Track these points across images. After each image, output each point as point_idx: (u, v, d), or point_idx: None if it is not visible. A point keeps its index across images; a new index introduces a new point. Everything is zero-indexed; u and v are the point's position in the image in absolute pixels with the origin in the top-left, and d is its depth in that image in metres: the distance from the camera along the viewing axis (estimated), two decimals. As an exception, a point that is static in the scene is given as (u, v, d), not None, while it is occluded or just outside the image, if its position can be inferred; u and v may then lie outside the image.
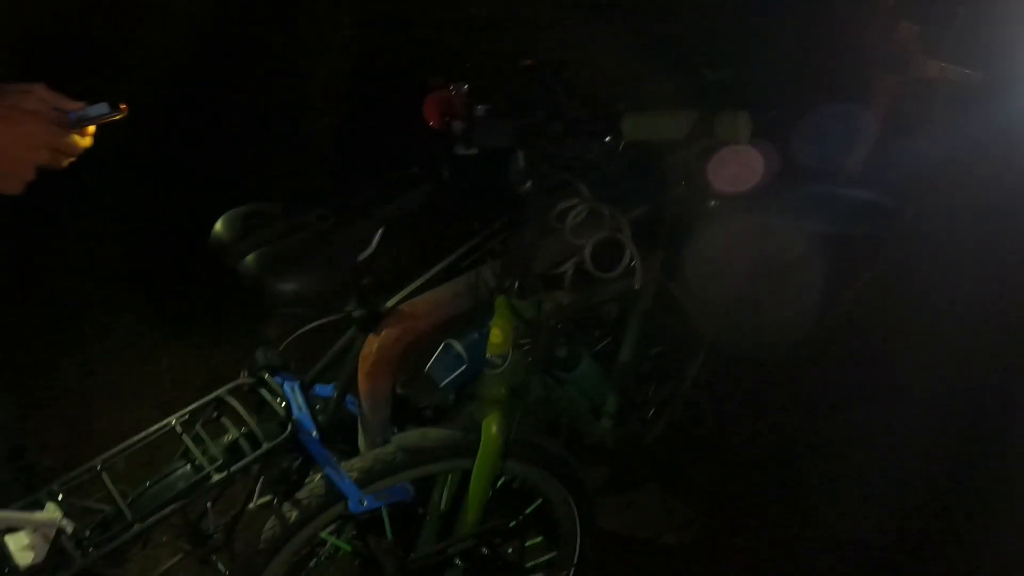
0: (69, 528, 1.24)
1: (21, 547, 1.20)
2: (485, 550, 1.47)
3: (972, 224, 1.79)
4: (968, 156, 1.63)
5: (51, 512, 1.23)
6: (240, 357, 1.50)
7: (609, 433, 1.71)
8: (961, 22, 1.53)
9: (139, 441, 1.32)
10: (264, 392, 1.39)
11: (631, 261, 1.45)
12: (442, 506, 1.51)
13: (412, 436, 1.41)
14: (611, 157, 1.28)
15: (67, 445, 2.03)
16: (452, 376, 1.59)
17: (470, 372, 1.59)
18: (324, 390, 1.48)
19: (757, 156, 1.32)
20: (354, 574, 1.53)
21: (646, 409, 1.78)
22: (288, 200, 1.25)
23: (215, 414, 1.38)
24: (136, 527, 1.24)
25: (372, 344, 1.37)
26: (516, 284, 1.37)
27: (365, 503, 1.36)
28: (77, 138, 1.02)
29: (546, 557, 1.63)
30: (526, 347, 1.41)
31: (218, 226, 1.23)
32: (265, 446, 1.32)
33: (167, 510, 1.27)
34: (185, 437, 1.33)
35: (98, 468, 1.29)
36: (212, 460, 1.32)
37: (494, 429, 1.41)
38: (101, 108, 0.99)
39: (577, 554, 1.60)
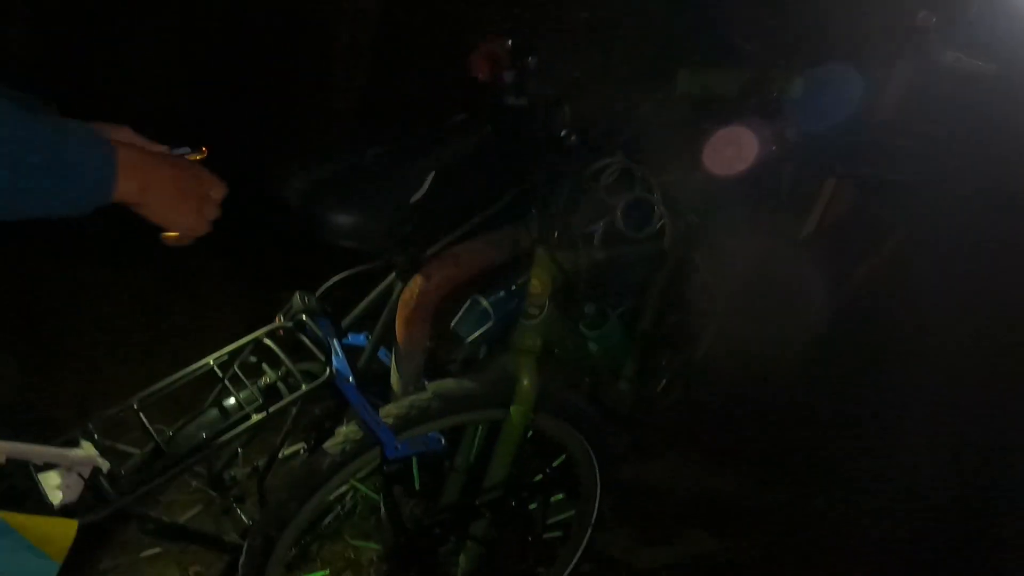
0: (105, 467, 1.18)
1: (55, 485, 1.15)
2: (512, 503, 1.46)
3: (980, 216, 1.85)
4: (976, 148, 1.70)
5: (87, 450, 1.17)
6: (256, 315, 1.46)
7: (626, 396, 1.72)
8: (977, 13, 1.59)
9: (176, 381, 1.27)
10: (302, 336, 1.35)
11: (661, 222, 1.47)
12: (470, 458, 1.50)
13: (448, 384, 1.39)
14: (663, 111, 1.28)
15: (80, 399, 1.93)
16: (478, 332, 1.57)
17: (496, 329, 1.58)
18: (356, 338, 1.45)
19: (752, 138, 1.35)
20: (379, 524, 1.50)
21: (661, 376, 1.80)
22: (343, 140, 1.23)
23: (252, 357, 1.34)
24: (175, 467, 1.20)
25: (412, 291, 1.35)
26: (556, 236, 1.38)
27: (400, 448, 1.34)
28: None
29: (565, 515, 1.63)
30: (562, 299, 1.41)
31: (274, 161, 1.20)
32: (304, 388, 1.28)
33: (205, 450, 1.22)
34: (224, 379, 1.29)
35: (134, 407, 1.23)
36: (250, 401, 1.28)
37: (527, 380, 1.40)
38: (184, 150, 1.01)
39: (595, 513, 1.60)
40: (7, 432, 1.27)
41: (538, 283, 1.39)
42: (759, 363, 1.82)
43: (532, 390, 1.40)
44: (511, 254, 1.41)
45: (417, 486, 1.47)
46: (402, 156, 1.22)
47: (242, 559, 1.36)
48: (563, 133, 1.33)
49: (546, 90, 1.28)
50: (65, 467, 1.15)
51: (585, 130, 1.33)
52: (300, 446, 1.44)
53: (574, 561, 1.63)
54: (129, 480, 1.18)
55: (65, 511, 1.13)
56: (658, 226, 1.47)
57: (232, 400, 1.30)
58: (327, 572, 1.57)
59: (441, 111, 1.35)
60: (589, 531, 1.61)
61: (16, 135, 0.82)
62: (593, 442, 1.52)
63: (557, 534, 1.63)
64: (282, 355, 1.33)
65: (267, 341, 1.34)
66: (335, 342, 1.35)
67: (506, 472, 1.43)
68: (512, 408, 1.40)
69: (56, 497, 1.13)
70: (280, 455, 1.37)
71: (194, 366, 1.29)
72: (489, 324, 1.58)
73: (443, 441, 1.41)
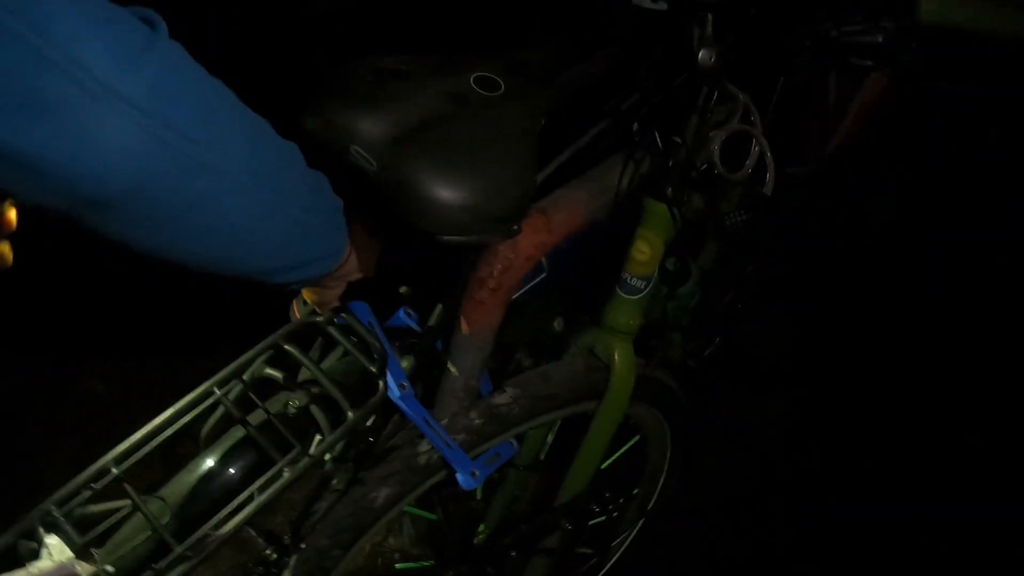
0: (86, 572, 0.76)
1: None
2: (595, 508, 1.17)
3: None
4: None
5: (55, 552, 0.74)
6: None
7: (678, 346, 1.44)
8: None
9: (166, 423, 0.83)
10: (333, 333, 0.93)
11: (763, 161, 1.12)
12: (539, 456, 1.18)
13: (531, 381, 1.04)
14: (904, 45, 0.89)
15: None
16: (529, 286, 1.21)
17: (548, 282, 1.22)
18: (396, 318, 1.04)
19: None
20: (430, 542, 1.18)
21: (711, 323, 1.52)
22: (432, 53, 0.75)
23: (266, 369, 0.91)
24: (186, 563, 0.78)
25: (493, 263, 0.95)
26: (673, 186, 1.01)
27: (478, 475, 0.99)
28: None
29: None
30: (670, 263, 1.08)
31: (324, 89, 0.71)
32: (352, 416, 0.88)
33: (227, 530, 0.81)
34: (232, 409, 0.86)
35: (112, 471, 0.79)
36: (276, 443, 0.87)
37: (624, 366, 1.08)
38: None
39: (657, 494, 1.36)
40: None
41: (646, 248, 1.03)
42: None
43: (630, 377, 1.08)
44: (612, 206, 1.03)
45: (479, 495, 1.15)
46: (519, 82, 0.78)
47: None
48: (702, 53, 0.92)
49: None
50: (23, 589, 0.72)
51: (731, 52, 0.93)
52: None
53: (626, 545, 1.39)
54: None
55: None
56: (761, 164, 1.13)
57: (248, 440, 0.89)
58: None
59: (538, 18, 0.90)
60: (645, 517, 1.37)
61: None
62: (673, 424, 1.25)
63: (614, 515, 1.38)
64: (311, 366, 0.91)
65: (287, 346, 0.91)
66: (382, 337, 0.95)
67: (591, 472, 1.13)
68: (606, 399, 1.08)
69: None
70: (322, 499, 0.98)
71: (189, 398, 0.84)
72: (542, 277, 1.22)
73: (516, 446, 1.09)
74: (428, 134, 0.71)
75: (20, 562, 0.74)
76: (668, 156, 0.98)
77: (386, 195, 0.71)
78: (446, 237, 0.74)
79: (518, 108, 0.75)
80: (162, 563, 0.77)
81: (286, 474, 0.83)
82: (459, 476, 0.98)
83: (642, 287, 1.05)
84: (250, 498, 0.82)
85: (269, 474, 0.84)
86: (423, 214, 0.71)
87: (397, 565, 1.21)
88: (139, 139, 0.54)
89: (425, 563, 1.21)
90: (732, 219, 1.23)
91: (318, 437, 0.91)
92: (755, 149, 1.09)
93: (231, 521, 0.80)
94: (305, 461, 0.84)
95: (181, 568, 0.78)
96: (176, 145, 0.54)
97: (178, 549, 0.78)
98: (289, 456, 0.85)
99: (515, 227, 0.81)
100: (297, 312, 0.95)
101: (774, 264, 1.53)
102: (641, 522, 1.37)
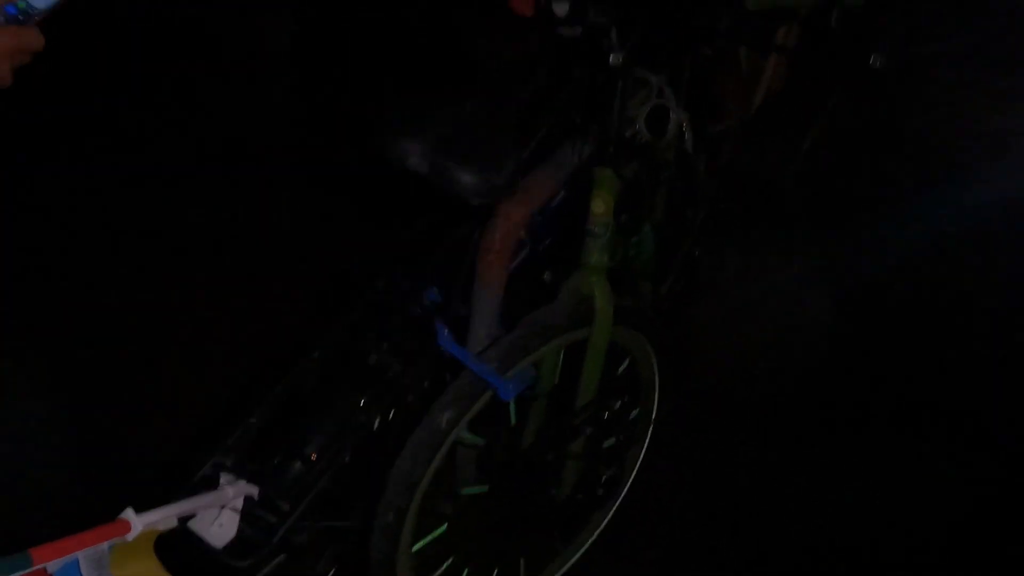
0: (255, 492, 0.95)
1: (208, 525, 0.91)
2: (605, 415, 1.39)
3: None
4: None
5: (231, 482, 0.94)
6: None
7: (647, 295, 1.67)
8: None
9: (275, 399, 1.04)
10: (391, 299, 1.15)
11: (680, 126, 1.39)
12: (552, 381, 1.40)
13: (536, 316, 1.27)
14: (737, 26, 1.16)
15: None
16: (521, 258, 1.45)
17: (531, 253, 1.46)
18: (431, 295, 1.27)
19: None
20: (480, 467, 1.38)
21: (669, 274, 1.77)
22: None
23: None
24: (326, 472, 0.99)
25: (494, 233, 1.19)
26: (613, 152, 1.26)
27: (512, 390, 1.21)
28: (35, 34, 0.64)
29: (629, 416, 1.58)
30: (622, 214, 1.32)
31: (383, 125, 0.98)
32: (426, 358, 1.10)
33: (350, 444, 1.02)
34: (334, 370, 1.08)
35: (253, 422, 1.00)
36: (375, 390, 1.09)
37: (603, 296, 1.31)
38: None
39: (655, 410, 1.57)
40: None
41: (601, 202, 1.27)
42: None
43: (609, 305, 1.31)
44: (568, 176, 1.27)
45: (513, 419, 1.36)
46: (495, 106, 1.05)
47: (375, 539, 1.19)
48: (612, 56, 1.18)
49: (606, 16, 1.12)
50: (215, 508, 0.91)
51: (635, 46, 1.20)
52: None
53: (641, 457, 1.60)
54: (288, 497, 0.96)
55: (232, 551, 0.91)
56: (678, 129, 1.40)
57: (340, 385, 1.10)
58: (445, 527, 1.42)
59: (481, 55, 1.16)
60: (651, 428, 1.58)
61: None
62: (653, 342, 1.47)
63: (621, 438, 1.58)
64: (379, 326, 1.13)
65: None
66: (430, 300, 1.17)
67: (596, 386, 1.36)
68: (594, 325, 1.31)
69: (218, 538, 0.90)
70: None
71: (304, 362, 1.06)
72: (525, 251, 1.45)
73: (534, 372, 1.31)
74: (453, 145, 1.04)
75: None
76: (605, 133, 1.24)
77: (436, 183, 1.07)
78: (475, 201, 1.06)
79: (502, 124, 1.04)
80: (307, 477, 0.98)
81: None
82: (500, 393, 1.20)
83: (603, 232, 1.29)
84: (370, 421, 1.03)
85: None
86: (459, 189, 1.07)
87: (463, 491, 1.40)
88: None
89: (482, 488, 1.41)
90: (665, 173, 1.50)
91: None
92: (673, 117, 1.37)
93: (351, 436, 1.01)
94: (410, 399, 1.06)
95: (324, 478, 0.98)
96: None
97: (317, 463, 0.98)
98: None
99: (510, 191, 1.08)
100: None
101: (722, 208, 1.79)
102: (648, 435, 1.58)
